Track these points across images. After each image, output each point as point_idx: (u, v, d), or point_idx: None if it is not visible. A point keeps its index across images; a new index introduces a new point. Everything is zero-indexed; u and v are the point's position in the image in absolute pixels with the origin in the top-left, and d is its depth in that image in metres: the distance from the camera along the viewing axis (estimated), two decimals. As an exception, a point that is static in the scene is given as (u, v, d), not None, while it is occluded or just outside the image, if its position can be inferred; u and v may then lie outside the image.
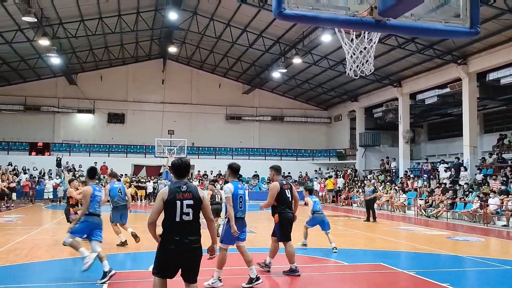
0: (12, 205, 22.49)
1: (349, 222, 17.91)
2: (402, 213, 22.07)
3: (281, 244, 7.52)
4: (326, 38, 21.63)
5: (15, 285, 6.99)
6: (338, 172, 33.08)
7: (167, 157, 26.93)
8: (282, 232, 7.33)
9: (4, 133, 31.82)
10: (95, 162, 31.14)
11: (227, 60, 31.72)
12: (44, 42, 22.43)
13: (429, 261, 9.46)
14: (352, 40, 5.71)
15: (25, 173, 28.24)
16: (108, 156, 32.73)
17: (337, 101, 35.61)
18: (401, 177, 26.43)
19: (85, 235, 7.47)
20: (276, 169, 7.53)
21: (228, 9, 23.51)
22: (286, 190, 7.36)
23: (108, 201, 10.10)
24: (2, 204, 20.68)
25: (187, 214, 4.51)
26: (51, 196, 26.23)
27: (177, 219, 4.49)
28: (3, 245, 10.17)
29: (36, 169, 30.00)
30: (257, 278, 6.61)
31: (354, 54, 5.73)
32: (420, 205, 20.82)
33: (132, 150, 33.67)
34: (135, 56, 32.94)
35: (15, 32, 23.07)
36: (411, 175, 25.98)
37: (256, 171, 33.90)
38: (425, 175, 24.64)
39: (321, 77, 30.31)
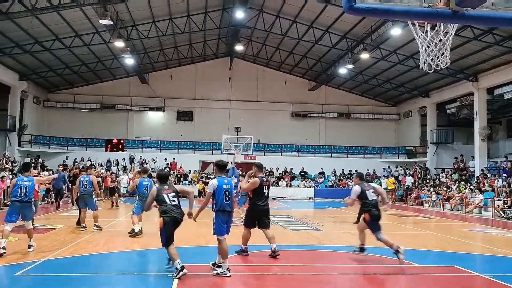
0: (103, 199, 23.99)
1: (419, 222, 17.26)
2: (478, 214, 20.92)
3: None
4: (396, 31, 20.93)
5: (93, 274, 7.40)
6: (407, 170, 31.99)
7: (234, 154, 27.36)
8: (248, 219, 8.50)
9: (83, 130, 33.85)
10: (165, 159, 32.42)
11: (293, 57, 31.64)
12: (119, 43, 23.62)
13: (509, 265, 8.89)
14: (426, 32, 5.48)
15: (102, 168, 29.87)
16: (177, 152, 33.84)
17: (406, 97, 34.39)
18: (477, 176, 25.00)
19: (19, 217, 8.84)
20: (258, 167, 8.69)
21: (294, 5, 23.45)
22: (264, 186, 8.41)
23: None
24: (113, 199, 21.29)
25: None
26: (125, 191, 27.46)
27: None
28: (83, 236, 10.83)
29: (115, 165, 31.55)
30: (219, 266, 7.14)
31: (428, 47, 5.50)
32: (498, 206, 19.61)
33: (200, 147, 34.53)
34: (203, 55, 33.76)
35: (92, 34, 24.36)
36: (489, 174, 24.53)
37: (322, 169, 33.58)
38: (504, 174, 23.15)
39: (390, 72, 29.41)
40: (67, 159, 31.14)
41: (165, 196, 7.23)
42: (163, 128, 35.50)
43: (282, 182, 31.86)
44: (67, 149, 32.80)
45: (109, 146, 33.56)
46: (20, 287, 6.50)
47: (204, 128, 34.85)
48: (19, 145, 29.99)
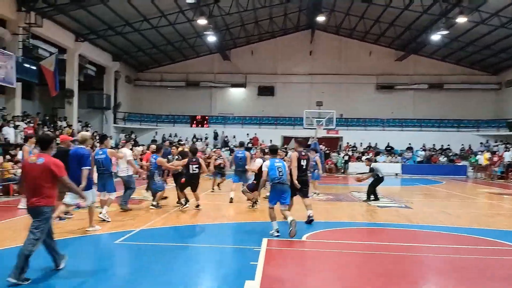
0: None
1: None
2: None
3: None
4: (497, -10, 18.85)
5: (183, 244, 7.74)
6: (508, 145, 29.34)
7: (316, 129, 26.80)
8: (293, 190, 8.87)
9: (170, 107, 35.09)
10: (247, 134, 32.61)
11: (379, 25, 29.96)
12: (202, 21, 23.95)
13: None
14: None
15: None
16: (259, 127, 33.90)
17: (509, 64, 31.23)
18: None
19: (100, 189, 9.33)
20: (299, 142, 9.57)
21: (380, -31, 22.00)
22: (302, 160, 9.13)
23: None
24: (218, 180, 19.87)
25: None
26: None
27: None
28: (170, 210, 11.05)
29: (201, 140, 32.40)
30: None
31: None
32: None
33: (281, 122, 34.29)
34: (283, 28, 33.16)
35: (177, 14, 24.89)
36: None
37: (409, 143, 31.92)
38: None
39: (489, 38, 26.82)
40: (156, 134, 32.48)
41: (190, 166, 10.71)
42: (245, 103, 35.70)
43: (366, 157, 30.73)
44: (156, 125, 34.24)
45: (194, 122, 34.53)
46: (119, 254, 7.10)
47: (285, 103, 34.50)
48: (114, 122, 31.98)
